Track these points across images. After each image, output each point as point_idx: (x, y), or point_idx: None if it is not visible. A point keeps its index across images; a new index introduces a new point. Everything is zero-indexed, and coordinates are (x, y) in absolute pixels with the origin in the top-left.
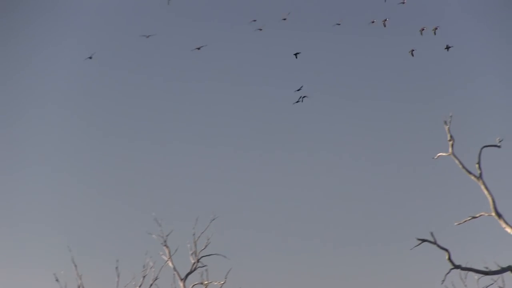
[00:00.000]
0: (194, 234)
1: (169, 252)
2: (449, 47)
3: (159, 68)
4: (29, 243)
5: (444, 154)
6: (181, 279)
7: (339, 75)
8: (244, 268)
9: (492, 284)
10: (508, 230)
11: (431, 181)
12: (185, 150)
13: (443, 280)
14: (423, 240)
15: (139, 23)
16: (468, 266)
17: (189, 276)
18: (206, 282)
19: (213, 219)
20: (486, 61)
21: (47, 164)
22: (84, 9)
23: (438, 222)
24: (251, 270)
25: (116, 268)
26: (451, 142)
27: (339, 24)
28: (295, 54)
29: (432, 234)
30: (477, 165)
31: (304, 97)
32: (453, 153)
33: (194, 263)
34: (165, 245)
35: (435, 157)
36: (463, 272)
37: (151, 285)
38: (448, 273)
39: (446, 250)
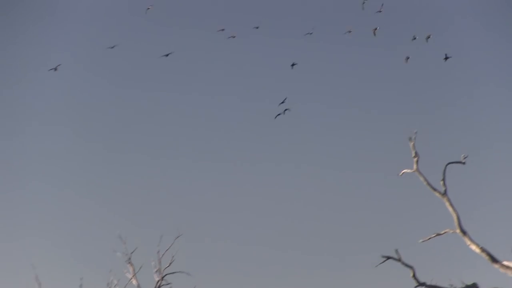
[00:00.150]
0: (158, 252)
1: (134, 270)
2: (448, 57)
3: (121, 77)
4: None
5: (409, 170)
6: None
7: (305, 84)
8: (208, 285)
9: None
10: (473, 247)
11: (396, 197)
12: (149, 165)
13: None
14: (388, 257)
15: (106, 34)
16: (433, 283)
17: None
18: None
19: (178, 237)
20: (451, 77)
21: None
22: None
23: (403, 239)
24: (216, 287)
25: (80, 286)
26: (415, 159)
27: (311, 33)
28: (292, 65)
29: (397, 251)
30: (442, 182)
31: (286, 109)
32: (417, 170)
33: (159, 280)
34: (129, 263)
35: (400, 174)
36: None
37: None
38: None
39: (411, 267)
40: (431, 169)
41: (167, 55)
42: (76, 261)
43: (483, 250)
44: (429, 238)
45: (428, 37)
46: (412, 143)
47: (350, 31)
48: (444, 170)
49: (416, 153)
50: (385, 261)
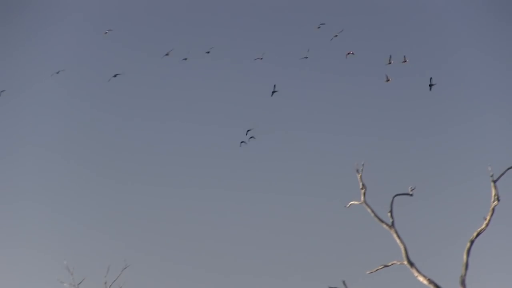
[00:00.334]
0: (105, 283)
1: None
2: (432, 84)
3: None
4: None
5: (356, 202)
6: None
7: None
8: None
9: None
10: (421, 278)
11: (343, 229)
12: (99, 193)
13: None
14: None
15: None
16: None
17: None
18: None
19: (125, 268)
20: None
21: None
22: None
23: (350, 270)
24: None
25: None
26: (363, 191)
27: (261, 59)
28: (273, 92)
29: (344, 282)
30: (389, 214)
31: (251, 137)
32: (365, 202)
33: None
34: None
35: (347, 206)
36: None
37: None
38: None
39: None
40: (379, 200)
41: (115, 75)
42: None
43: (430, 281)
44: (376, 270)
45: (404, 61)
46: (359, 175)
47: (261, 58)
48: (392, 202)
49: (363, 185)
50: None
